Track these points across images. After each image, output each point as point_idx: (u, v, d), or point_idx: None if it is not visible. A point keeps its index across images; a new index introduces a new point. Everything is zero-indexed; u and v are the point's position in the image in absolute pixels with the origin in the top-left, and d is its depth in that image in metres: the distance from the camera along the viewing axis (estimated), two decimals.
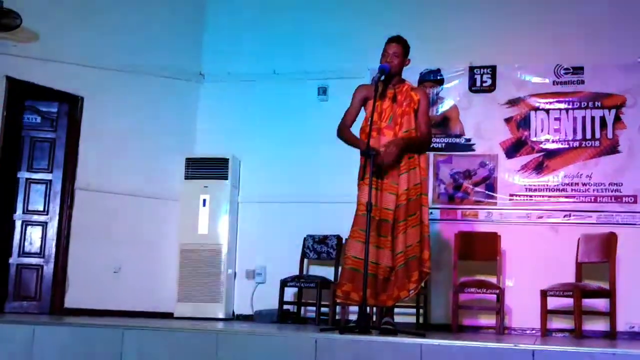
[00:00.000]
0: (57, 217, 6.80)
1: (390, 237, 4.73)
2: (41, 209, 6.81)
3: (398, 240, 4.73)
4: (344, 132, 4.95)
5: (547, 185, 6.69)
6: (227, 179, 7.22)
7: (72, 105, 6.92)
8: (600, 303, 6.12)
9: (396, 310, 5.01)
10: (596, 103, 6.68)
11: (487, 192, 6.80)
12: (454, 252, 6.46)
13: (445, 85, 7.06)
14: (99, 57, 7.02)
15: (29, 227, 6.78)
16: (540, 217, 6.67)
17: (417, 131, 4.86)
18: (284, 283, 6.63)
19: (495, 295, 6.18)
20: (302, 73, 7.40)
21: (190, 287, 7.05)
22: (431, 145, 6.66)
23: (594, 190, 6.57)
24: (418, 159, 4.84)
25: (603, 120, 6.64)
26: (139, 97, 7.28)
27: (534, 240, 6.59)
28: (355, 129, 4.94)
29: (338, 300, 4.87)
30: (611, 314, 5.84)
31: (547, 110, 6.79)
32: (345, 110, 4.99)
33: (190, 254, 7.12)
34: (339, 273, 6.39)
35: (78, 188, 6.85)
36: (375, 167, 4.63)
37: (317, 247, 6.95)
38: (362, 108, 4.98)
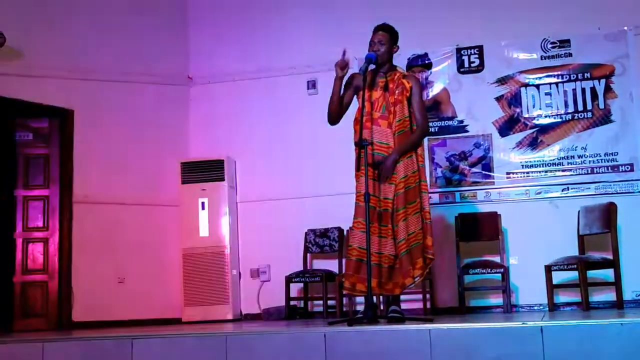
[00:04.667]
0: (57, 232, 6.80)
1: (391, 225, 4.74)
2: (41, 225, 6.81)
3: (399, 228, 4.73)
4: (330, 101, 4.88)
5: (543, 160, 6.69)
6: (223, 181, 7.21)
7: (63, 119, 6.92)
8: (605, 273, 6.13)
9: (403, 297, 5.00)
10: (585, 74, 6.68)
11: (483, 172, 6.80)
12: (456, 235, 6.46)
13: (433, 69, 7.05)
14: (86, 70, 7.02)
15: (30, 245, 6.78)
16: (539, 193, 6.67)
17: (412, 120, 4.85)
18: (289, 279, 6.64)
19: (500, 275, 6.19)
20: (289, 68, 7.39)
21: (196, 291, 7.06)
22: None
23: (590, 161, 6.58)
24: None
25: (594, 91, 6.64)
26: (129, 105, 7.29)
27: (534, 216, 6.60)
28: (349, 120, 4.93)
29: (346, 292, 4.88)
30: (617, 284, 5.85)
31: (537, 86, 6.78)
32: None
33: (194, 258, 7.12)
34: (344, 265, 6.42)
35: (76, 201, 6.86)
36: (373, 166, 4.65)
37: (319, 241, 6.94)
38: (355, 97, 4.97)
